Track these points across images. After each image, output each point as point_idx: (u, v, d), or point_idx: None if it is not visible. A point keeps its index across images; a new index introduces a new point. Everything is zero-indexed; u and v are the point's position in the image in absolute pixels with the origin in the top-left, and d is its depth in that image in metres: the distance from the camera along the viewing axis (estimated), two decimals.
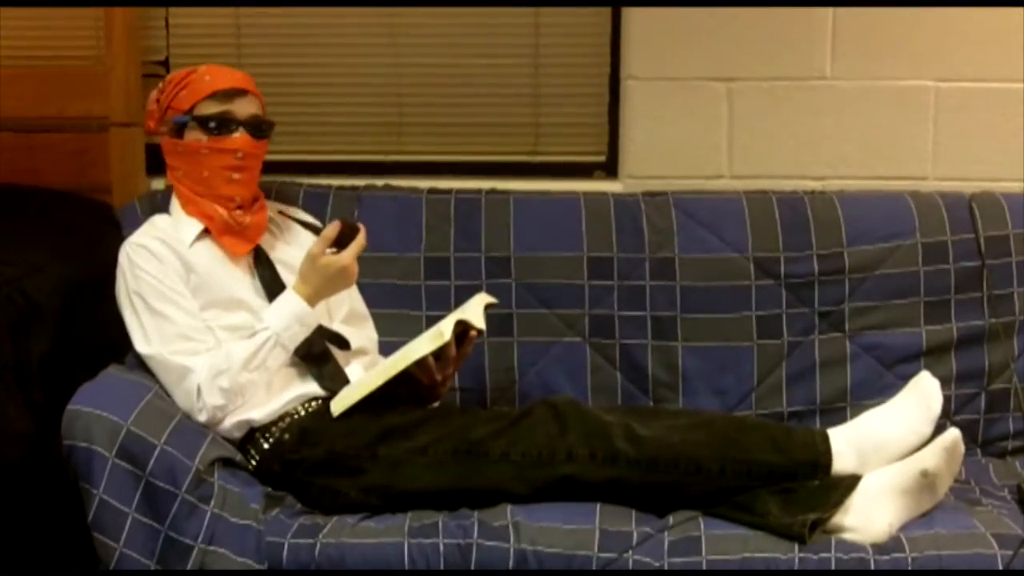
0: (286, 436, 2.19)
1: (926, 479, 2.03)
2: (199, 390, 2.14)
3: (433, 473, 2.07)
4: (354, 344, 2.37)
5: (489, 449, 2.07)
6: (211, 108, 2.29)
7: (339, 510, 2.07)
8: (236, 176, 2.29)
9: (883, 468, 2.06)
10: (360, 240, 2.24)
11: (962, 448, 2.06)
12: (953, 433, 2.05)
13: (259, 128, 2.33)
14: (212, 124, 2.28)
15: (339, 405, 2.18)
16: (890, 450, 2.07)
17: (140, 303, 2.21)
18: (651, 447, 2.05)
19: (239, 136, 2.29)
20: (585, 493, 2.05)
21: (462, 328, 2.20)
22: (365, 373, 2.32)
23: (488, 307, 2.28)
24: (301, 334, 2.22)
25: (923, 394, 2.13)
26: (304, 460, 2.14)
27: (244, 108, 2.30)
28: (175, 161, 2.34)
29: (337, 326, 2.39)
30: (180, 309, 2.22)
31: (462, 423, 2.13)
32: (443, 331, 2.16)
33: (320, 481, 2.12)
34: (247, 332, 2.22)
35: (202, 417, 2.14)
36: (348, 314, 2.43)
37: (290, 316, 2.20)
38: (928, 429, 2.09)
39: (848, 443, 2.08)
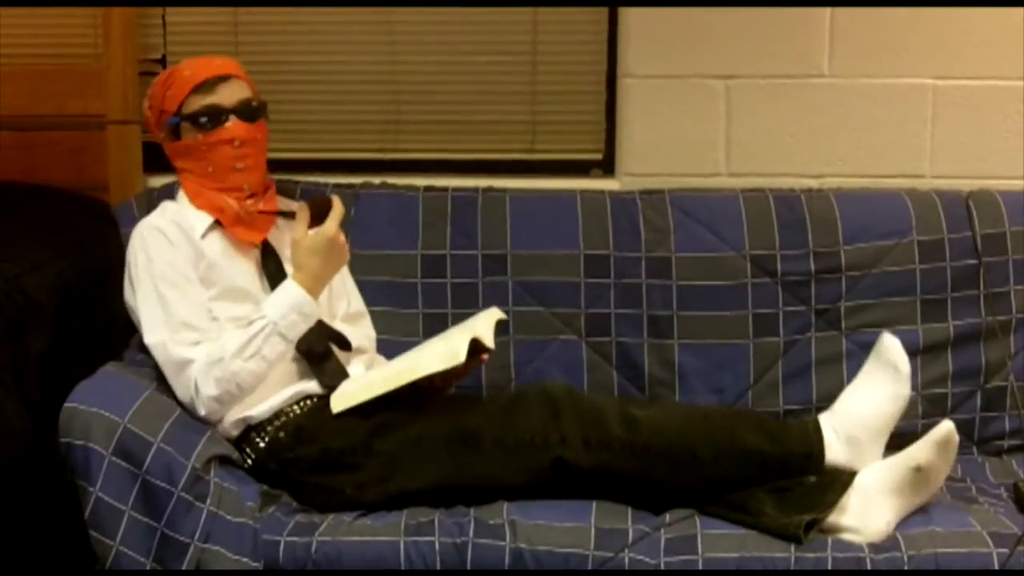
0: (281, 435, 2.18)
1: (920, 474, 2.03)
2: (196, 381, 2.12)
3: (428, 464, 2.07)
4: (353, 343, 2.37)
5: (483, 436, 2.07)
6: (197, 103, 2.25)
7: (335, 508, 2.07)
8: (240, 165, 2.27)
9: (877, 464, 2.06)
10: (337, 208, 2.22)
11: (956, 439, 2.05)
12: (946, 426, 2.05)
13: (251, 112, 2.28)
14: (202, 119, 2.25)
15: (339, 403, 2.18)
16: (875, 424, 2.08)
17: (149, 285, 2.19)
18: (645, 433, 2.04)
19: (232, 125, 2.26)
20: (577, 479, 2.04)
21: (474, 346, 2.17)
22: (368, 372, 2.32)
23: (498, 323, 2.26)
24: (300, 323, 2.19)
25: (887, 357, 2.13)
26: (300, 458, 2.14)
27: (231, 94, 2.27)
28: (181, 163, 2.32)
29: (338, 325, 2.38)
30: (187, 296, 2.19)
31: (455, 412, 2.13)
32: (458, 352, 2.11)
33: (316, 479, 2.12)
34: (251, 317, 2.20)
35: (201, 410, 2.12)
36: (347, 312, 2.43)
37: (287, 305, 2.17)
38: (905, 389, 2.11)
39: (835, 430, 2.09)
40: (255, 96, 2.32)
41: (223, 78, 2.27)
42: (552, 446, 2.04)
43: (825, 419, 2.12)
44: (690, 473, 2.05)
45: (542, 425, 2.05)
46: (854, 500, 2.00)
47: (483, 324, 2.20)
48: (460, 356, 2.11)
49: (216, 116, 2.25)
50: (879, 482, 2.02)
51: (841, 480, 2.03)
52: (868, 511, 1.99)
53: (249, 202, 2.30)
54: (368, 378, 2.24)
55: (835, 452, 2.07)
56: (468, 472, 2.06)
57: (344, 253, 2.26)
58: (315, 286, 2.21)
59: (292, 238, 2.23)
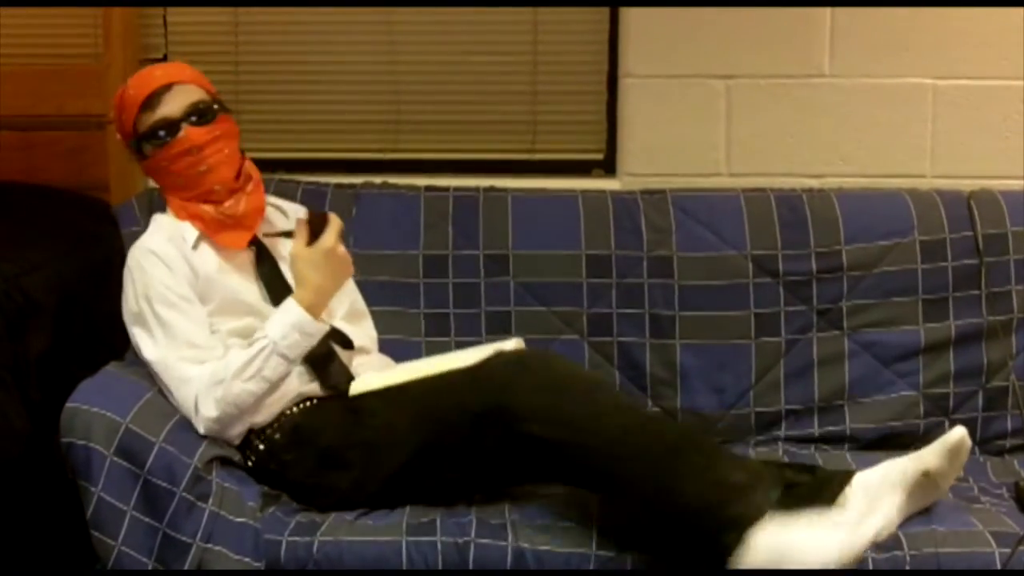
0: (277, 436, 2.18)
1: (928, 479, 2.02)
2: (196, 401, 2.11)
3: (406, 445, 2.05)
4: (355, 343, 2.37)
5: (447, 405, 2.05)
6: (147, 120, 2.22)
7: (334, 506, 2.07)
8: (203, 168, 2.23)
9: (884, 463, 2.02)
10: (335, 222, 2.19)
11: (968, 445, 2.03)
12: (958, 432, 2.02)
13: (202, 114, 2.24)
14: (157, 136, 2.22)
15: (357, 387, 2.19)
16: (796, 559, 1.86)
17: (148, 309, 2.17)
18: (588, 429, 1.94)
19: (184, 134, 2.21)
20: (527, 445, 1.96)
21: None
22: (390, 369, 2.33)
23: None
24: (303, 343, 2.15)
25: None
26: (297, 459, 2.14)
27: (177, 103, 2.22)
28: (156, 180, 2.32)
29: (339, 323, 2.38)
30: (187, 316, 2.18)
31: (432, 386, 2.11)
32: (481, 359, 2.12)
33: (313, 479, 2.12)
34: (253, 336, 2.18)
35: (200, 429, 2.10)
36: (348, 311, 2.43)
37: (288, 325, 2.14)
38: (861, 539, 1.91)
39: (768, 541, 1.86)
40: (207, 95, 2.28)
41: (165, 88, 2.23)
42: (507, 392, 1.97)
43: (775, 528, 1.87)
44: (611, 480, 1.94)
45: (506, 377, 2.00)
46: (858, 498, 1.99)
47: (510, 347, 2.18)
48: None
49: (168, 129, 2.21)
50: (887, 482, 2.00)
51: (838, 478, 2.01)
52: (872, 509, 1.98)
53: (228, 203, 2.26)
54: (387, 373, 2.25)
55: (757, 553, 1.85)
56: (443, 443, 2.03)
57: (347, 266, 2.23)
58: (317, 301, 2.18)
59: (291, 253, 2.20)
